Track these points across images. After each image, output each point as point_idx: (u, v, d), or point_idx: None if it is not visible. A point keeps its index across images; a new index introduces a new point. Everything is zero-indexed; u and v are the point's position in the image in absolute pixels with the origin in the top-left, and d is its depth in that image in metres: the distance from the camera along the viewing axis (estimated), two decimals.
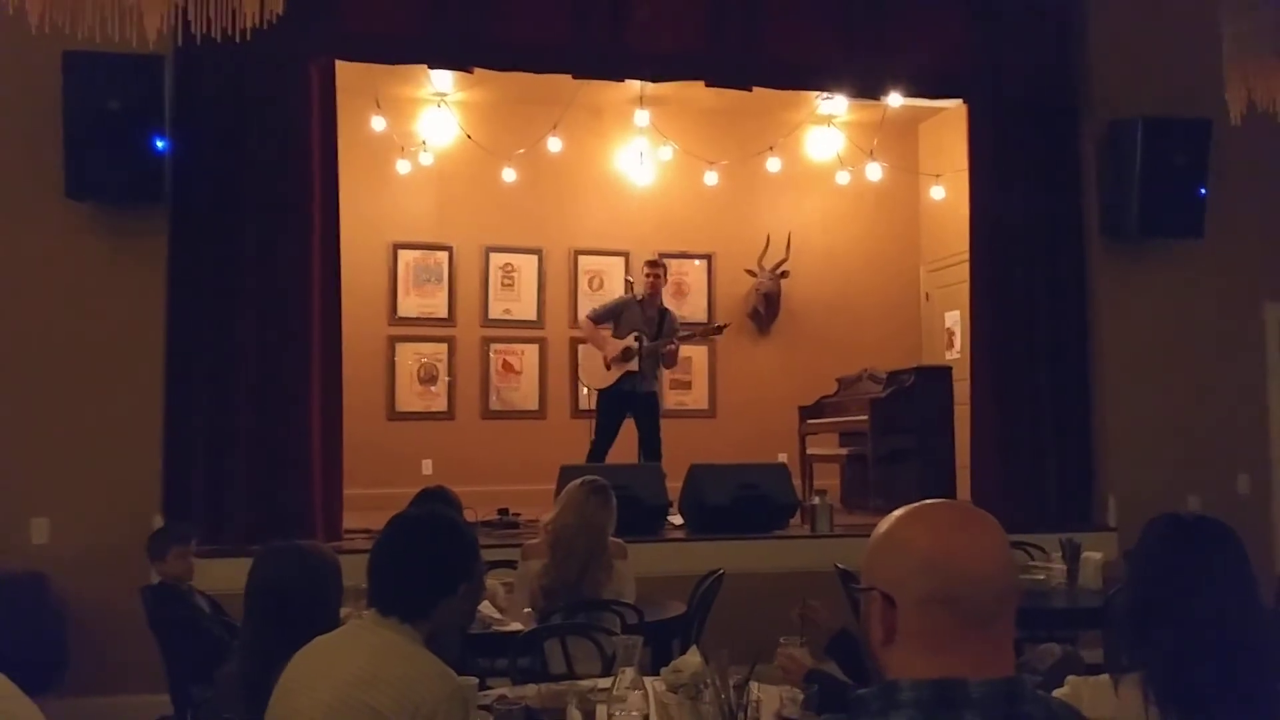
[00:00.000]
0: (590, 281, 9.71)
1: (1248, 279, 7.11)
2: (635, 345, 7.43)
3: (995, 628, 1.34)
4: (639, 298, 7.73)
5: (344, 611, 2.91)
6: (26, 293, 5.70)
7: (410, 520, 2.48)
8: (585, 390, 7.76)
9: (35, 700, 1.99)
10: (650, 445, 7.45)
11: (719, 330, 8.24)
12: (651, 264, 7.80)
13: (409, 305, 9.39)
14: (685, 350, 8.52)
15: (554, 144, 8.88)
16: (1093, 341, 7.00)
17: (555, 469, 6.12)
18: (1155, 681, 2.11)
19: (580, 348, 7.80)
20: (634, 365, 7.42)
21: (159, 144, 5.58)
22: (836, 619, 2.86)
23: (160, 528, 4.95)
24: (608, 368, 7.49)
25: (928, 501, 1.44)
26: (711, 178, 9.46)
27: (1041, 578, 4.79)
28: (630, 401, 7.49)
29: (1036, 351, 6.98)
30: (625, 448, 7.59)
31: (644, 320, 7.55)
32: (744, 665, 2.60)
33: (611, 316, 7.64)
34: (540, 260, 9.64)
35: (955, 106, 7.82)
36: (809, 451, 8.61)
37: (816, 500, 6.62)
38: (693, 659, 2.74)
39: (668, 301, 7.98)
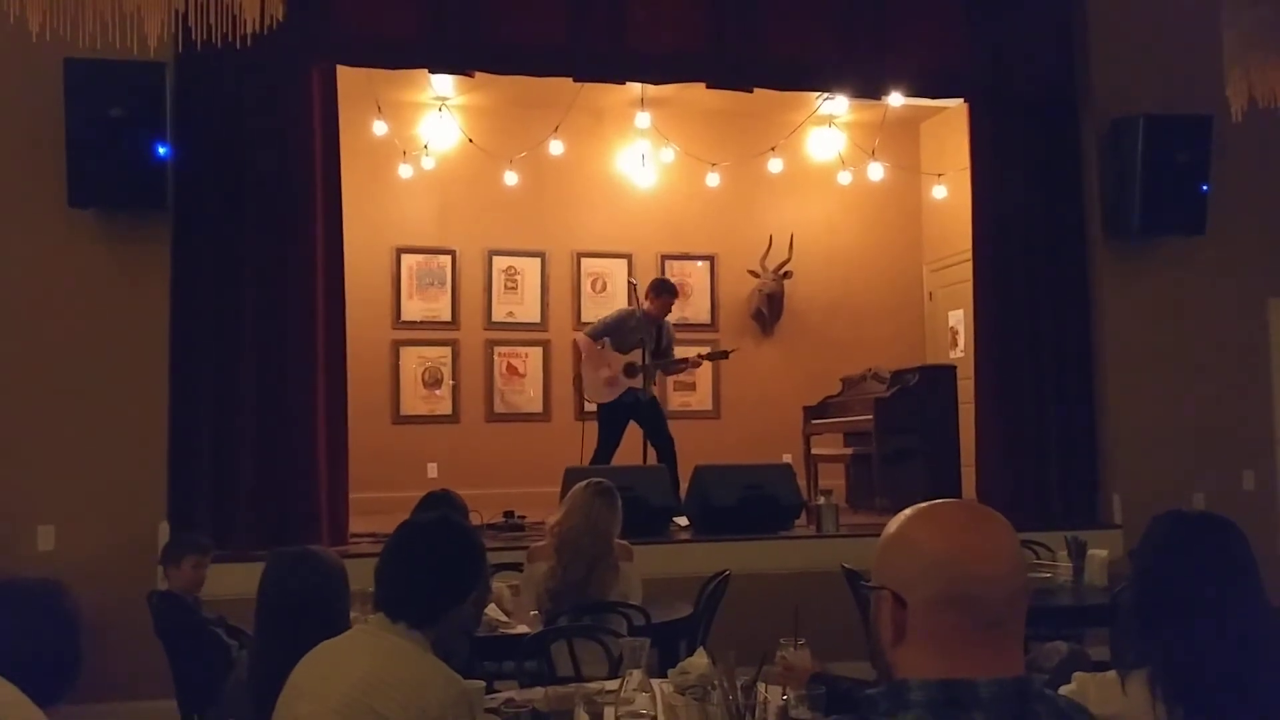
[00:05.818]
0: (593, 284, 9.71)
1: (1251, 275, 7.10)
2: (639, 362, 7.35)
3: (1005, 628, 1.34)
4: (638, 312, 7.60)
5: (350, 615, 2.92)
6: (31, 301, 5.70)
7: (423, 527, 2.47)
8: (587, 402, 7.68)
9: (48, 710, 1.98)
10: (663, 447, 7.36)
11: (725, 355, 8.10)
12: (670, 290, 7.68)
13: (412, 309, 9.39)
14: (686, 351, 8.49)
15: (555, 147, 8.86)
16: (1096, 339, 7.00)
17: (560, 471, 6.12)
18: (1162, 678, 2.12)
19: (582, 363, 7.61)
20: (638, 381, 7.36)
21: (161, 150, 5.57)
22: (803, 669, 2.67)
23: (180, 535, 4.96)
24: (609, 385, 7.42)
25: (938, 501, 1.44)
26: (713, 179, 9.45)
27: (1048, 576, 4.79)
28: (634, 411, 7.45)
29: (1040, 349, 6.98)
30: (629, 449, 7.59)
31: (645, 333, 7.44)
32: (751, 666, 2.60)
33: (610, 332, 7.52)
34: (543, 263, 9.63)
35: (956, 106, 7.82)
36: (814, 451, 8.59)
37: (822, 500, 6.62)
38: (700, 660, 2.74)
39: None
